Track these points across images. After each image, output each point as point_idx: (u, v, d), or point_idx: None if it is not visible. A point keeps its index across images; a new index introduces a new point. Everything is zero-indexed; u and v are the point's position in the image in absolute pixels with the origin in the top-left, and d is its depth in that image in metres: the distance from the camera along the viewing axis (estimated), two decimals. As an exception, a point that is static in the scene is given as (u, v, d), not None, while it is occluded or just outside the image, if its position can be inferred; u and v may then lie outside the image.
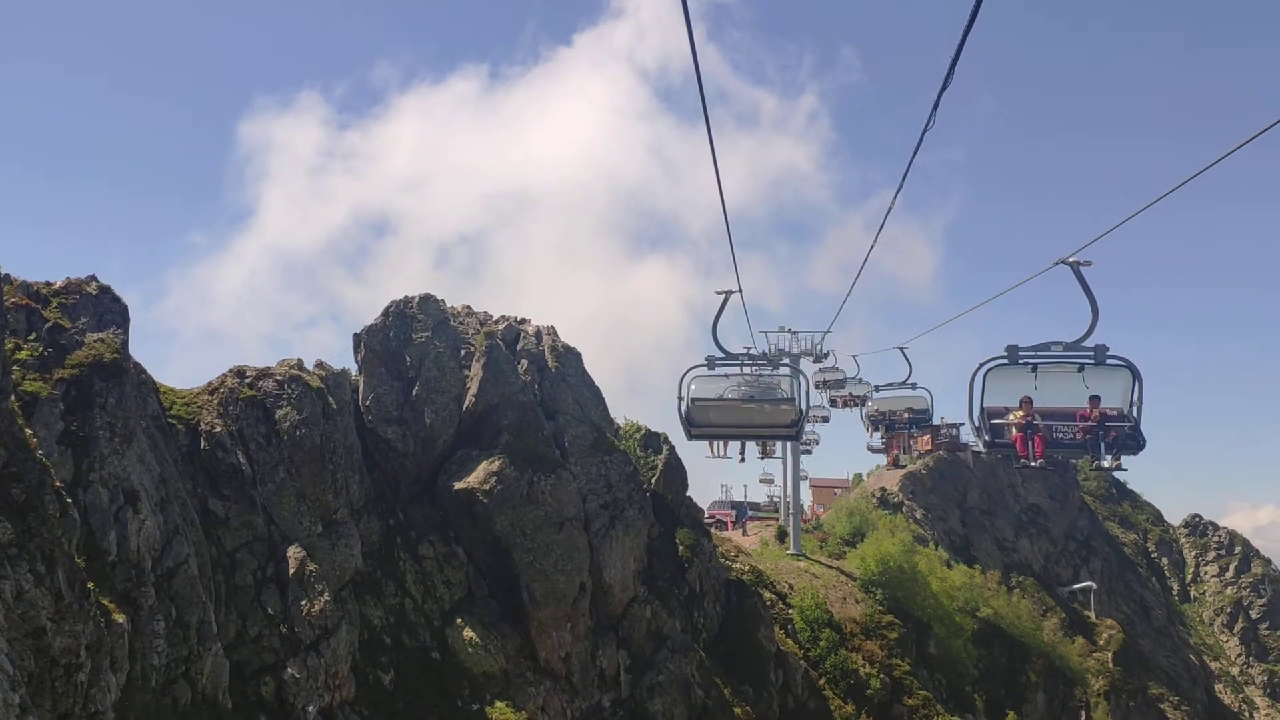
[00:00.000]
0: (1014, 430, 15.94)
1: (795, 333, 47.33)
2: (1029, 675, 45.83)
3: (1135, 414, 15.41)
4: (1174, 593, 77.67)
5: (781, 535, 49.22)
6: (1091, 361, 14.37)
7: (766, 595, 36.44)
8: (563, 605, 27.94)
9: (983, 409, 15.55)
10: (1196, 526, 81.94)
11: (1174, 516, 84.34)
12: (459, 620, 27.70)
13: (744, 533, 57.16)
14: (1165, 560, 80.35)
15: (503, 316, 34.05)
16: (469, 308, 34.06)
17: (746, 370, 19.83)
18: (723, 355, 18.77)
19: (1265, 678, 70.33)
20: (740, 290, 18.62)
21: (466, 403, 30.57)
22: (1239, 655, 72.36)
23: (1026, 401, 15.79)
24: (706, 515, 63.65)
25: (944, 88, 9.41)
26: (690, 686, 29.04)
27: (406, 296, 32.00)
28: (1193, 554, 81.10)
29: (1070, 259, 13.57)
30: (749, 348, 39.50)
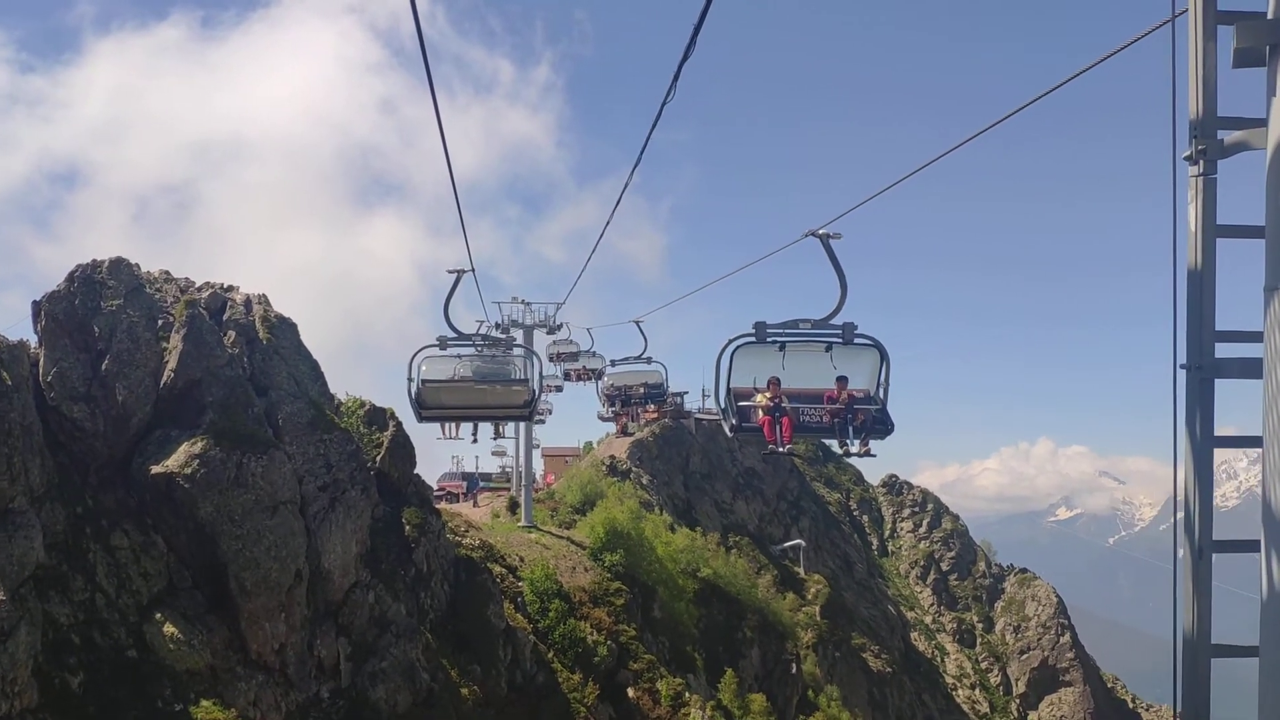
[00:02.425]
0: (760, 413, 14.93)
1: (529, 304, 46.93)
2: (745, 631, 48.19)
3: (883, 396, 14.82)
4: (874, 548, 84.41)
5: (513, 506, 48.94)
6: (840, 340, 13.69)
7: (496, 570, 35.99)
8: (276, 594, 26.17)
9: (729, 390, 14.51)
10: (893, 486, 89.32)
11: (873, 477, 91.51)
12: (158, 615, 25.33)
13: (475, 504, 56.46)
14: (866, 518, 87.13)
15: (206, 283, 31.26)
16: (168, 273, 31.02)
17: (479, 351, 19.28)
18: (454, 335, 18.15)
19: (954, 625, 77.96)
20: (473, 270, 17.95)
21: (165, 378, 27.84)
22: (931, 605, 79.75)
23: (774, 382, 14.89)
24: (436, 488, 62.33)
25: (685, 57, 9.10)
26: (415, 671, 28.13)
27: (95, 260, 28.64)
28: (890, 511, 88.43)
29: (820, 231, 13.04)
30: (482, 321, 38.79)
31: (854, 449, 14.87)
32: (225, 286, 31.73)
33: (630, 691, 34.23)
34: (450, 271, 18.21)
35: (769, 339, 13.51)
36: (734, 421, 14.80)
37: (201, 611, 26.19)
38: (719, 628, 47.20)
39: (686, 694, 34.97)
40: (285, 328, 32.04)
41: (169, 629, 25.03)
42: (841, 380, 14.74)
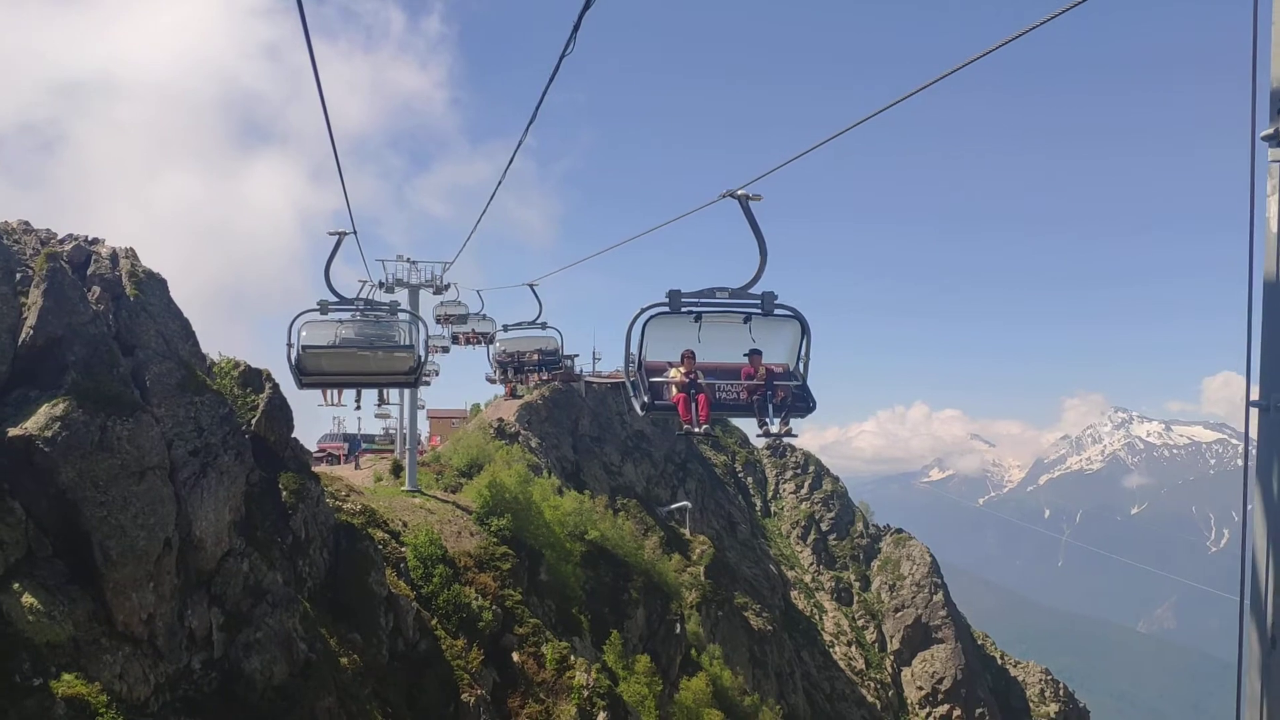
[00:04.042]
0: (674, 390, 13.75)
1: (415, 263, 45.56)
2: (631, 593, 48.54)
3: (802, 371, 13.90)
4: (757, 509, 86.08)
5: (397, 469, 48.05)
6: (759, 311, 12.75)
7: (378, 536, 35.26)
8: (144, 564, 25.01)
9: (640, 364, 13.44)
10: (777, 448, 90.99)
11: (758, 439, 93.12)
12: (16, 585, 23.92)
13: (357, 466, 55.33)
14: (750, 479, 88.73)
15: (69, 235, 29.42)
16: (27, 224, 29.12)
17: (362, 315, 18.67)
18: (336, 299, 17.53)
19: (832, 584, 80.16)
20: (355, 232, 17.26)
21: (23, 335, 26.17)
22: (811, 564, 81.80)
23: (689, 356, 13.69)
24: (317, 449, 60.89)
25: (586, 6, 8.78)
26: (292, 641, 27.36)
27: (-57, 207, 26.71)
28: (773, 473, 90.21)
29: (739, 192, 12.03)
30: (365, 282, 37.61)
31: (774, 429, 13.83)
32: (90, 239, 29.94)
33: (515, 656, 34.10)
34: (331, 233, 17.54)
35: (684, 309, 12.61)
36: (645, 399, 13.65)
37: (63, 581, 24.88)
38: (605, 590, 47.44)
39: (572, 657, 35.00)
40: (154, 283, 30.44)
41: (28, 600, 23.71)
42: (757, 353, 13.88)
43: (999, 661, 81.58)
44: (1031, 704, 76.46)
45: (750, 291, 12.59)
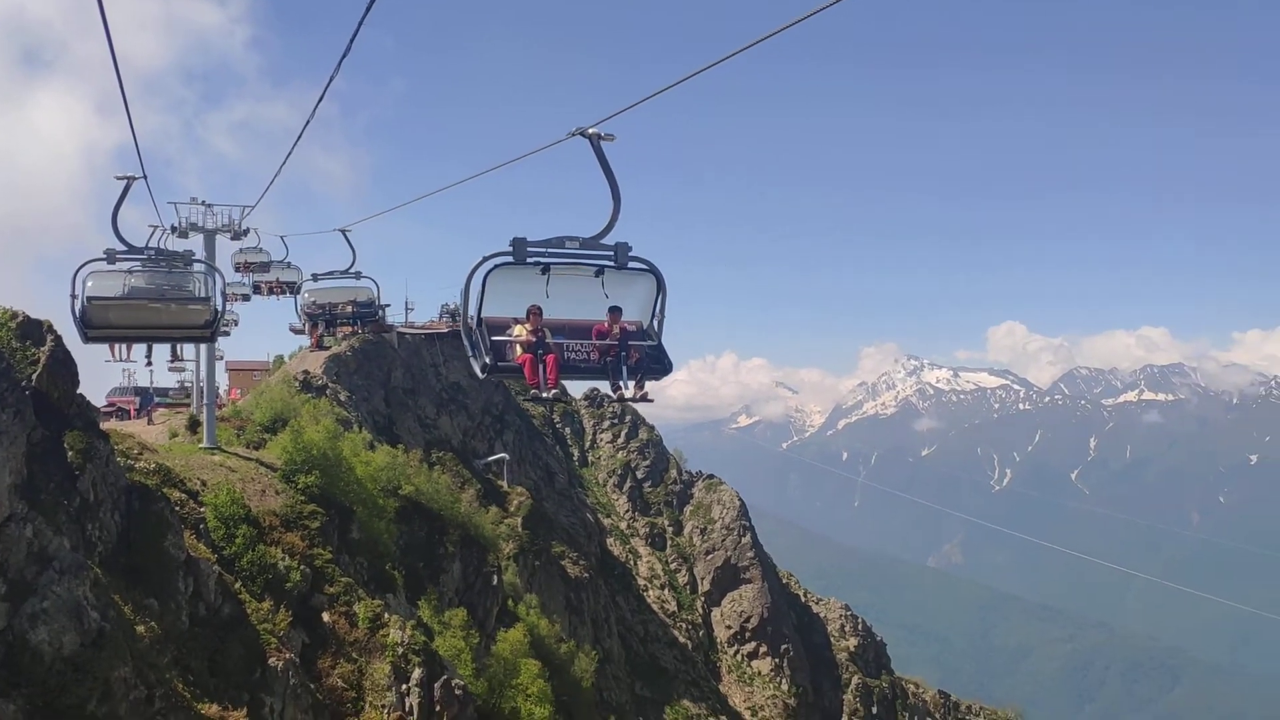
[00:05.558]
0: (520, 350, 12.58)
1: (210, 206, 42.55)
2: (447, 547, 48.10)
3: (657, 329, 12.93)
4: (575, 459, 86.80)
5: (194, 425, 45.50)
6: (612, 264, 11.70)
7: (175, 496, 33.39)
8: (-93, 534, 22.88)
9: (480, 320, 12.27)
10: (594, 399, 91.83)
11: (576, 390, 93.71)
12: None
13: (150, 422, 52.20)
14: (569, 430, 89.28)
15: None
16: None
17: (154, 265, 17.41)
18: (125, 248, 16.27)
19: (647, 529, 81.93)
20: (145, 176, 15.99)
21: None
22: (627, 511, 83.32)
23: (535, 312, 12.48)
24: (106, 403, 57.00)
25: None
26: (82, 610, 25.64)
27: None
28: (591, 424, 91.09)
29: (590, 131, 10.84)
30: (156, 227, 35.12)
31: (628, 392, 13.01)
32: None
33: (326, 616, 33.21)
34: (119, 178, 16.20)
35: (530, 259, 11.42)
36: (487, 360, 12.47)
37: None
38: (420, 545, 46.83)
39: (386, 614, 34.39)
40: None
41: None
42: (615, 311, 12.74)
43: (802, 599, 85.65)
44: (833, 638, 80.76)
45: (602, 242, 11.57)
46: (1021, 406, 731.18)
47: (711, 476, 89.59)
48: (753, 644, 75.07)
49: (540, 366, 12.40)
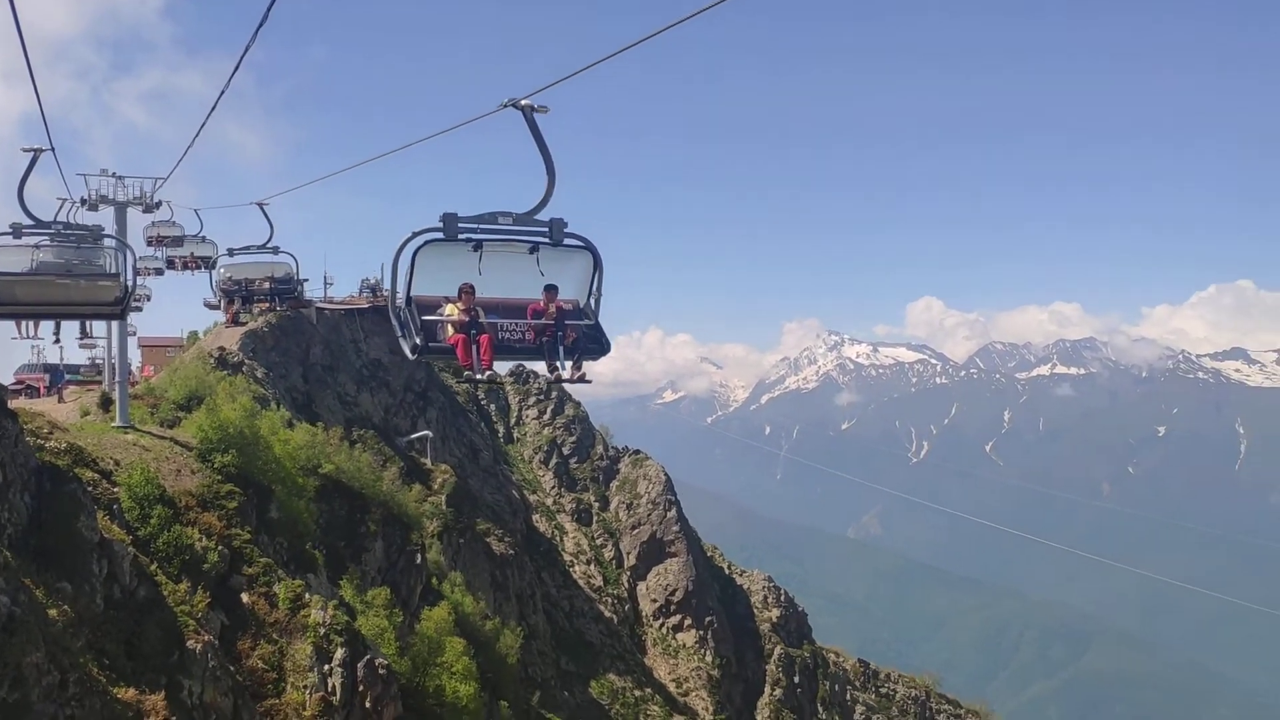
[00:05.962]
0: (451, 330, 12.19)
1: (121, 178, 41.20)
2: (369, 526, 47.61)
3: (594, 308, 12.64)
4: (500, 435, 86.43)
5: (106, 403, 44.22)
6: (547, 240, 11.39)
7: (87, 476, 32.45)
8: None
9: (410, 299, 11.84)
10: (520, 375, 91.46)
11: (502, 368, 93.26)
12: None
13: (60, 400, 50.66)
14: (494, 406, 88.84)
15: None
16: None
17: (61, 239, 16.88)
18: (32, 223, 15.76)
19: (573, 505, 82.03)
20: (53, 149, 15.47)
21: None
22: (553, 487, 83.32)
23: (468, 291, 12.06)
24: (14, 381, 55.16)
25: None
26: (-11, 595, 24.92)
27: None
28: (517, 400, 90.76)
29: (523, 102, 10.47)
30: (65, 199, 33.92)
31: (565, 374, 12.69)
32: None
33: (245, 597, 32.66)
34: (25, 150, 15.66)
35: (461, 236, 11.06)
36: (417, 340, 12.10)
37: None
38: (341, 524, 46.29)
39: (307, 595, 33.96)
40: None
41: None
42: (551, 290, 12.39)
43: (726, 571, 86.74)
44: (756, 610, 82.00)
45: (537, 218, 11.26)
46: (938, 380, 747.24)
47: (638, 452, 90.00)
48: (677, 617, 75.86)
49: (474, 347, 12.07)
